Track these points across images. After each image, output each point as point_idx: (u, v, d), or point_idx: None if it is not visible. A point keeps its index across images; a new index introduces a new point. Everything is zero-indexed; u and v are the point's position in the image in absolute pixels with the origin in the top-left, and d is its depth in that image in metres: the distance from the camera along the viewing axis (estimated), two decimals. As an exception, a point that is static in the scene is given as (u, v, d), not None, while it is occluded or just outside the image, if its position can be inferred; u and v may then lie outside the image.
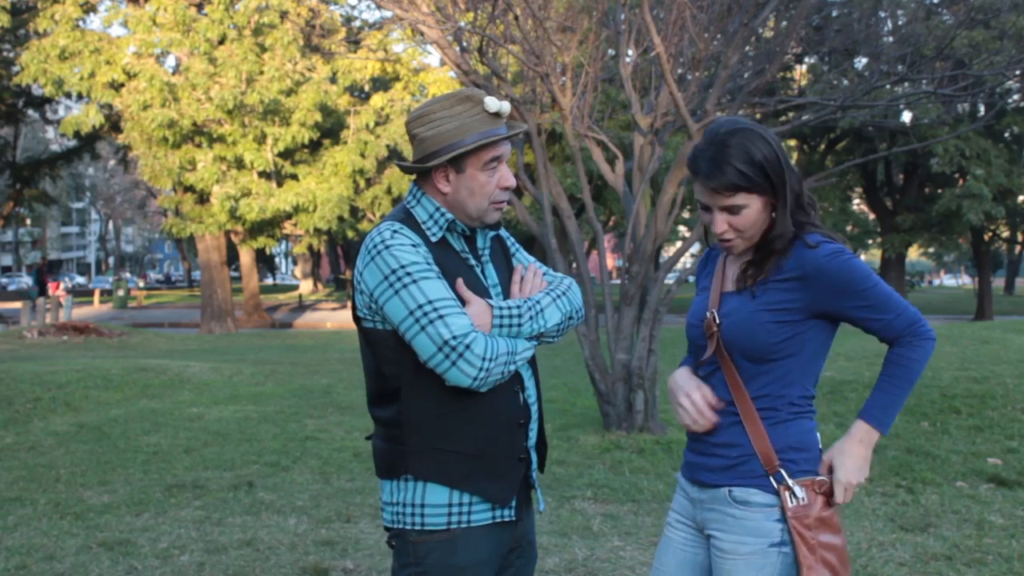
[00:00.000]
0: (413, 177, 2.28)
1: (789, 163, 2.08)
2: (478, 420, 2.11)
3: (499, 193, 2.17)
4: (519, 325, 2.13)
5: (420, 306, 2.02)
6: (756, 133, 2.05)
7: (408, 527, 2.12)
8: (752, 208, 2.05)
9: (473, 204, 2.15)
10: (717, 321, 2.12)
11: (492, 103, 2.13)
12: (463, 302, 2.10)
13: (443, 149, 2.12)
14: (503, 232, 2.35)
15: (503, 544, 2.18)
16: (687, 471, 2.21)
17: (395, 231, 2.10)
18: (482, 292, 2.16)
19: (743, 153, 2.02)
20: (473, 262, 2.21)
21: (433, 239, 2.14)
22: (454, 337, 2.00)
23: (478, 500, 2.12)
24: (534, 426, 2.24)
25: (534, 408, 2.23)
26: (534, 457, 2.26)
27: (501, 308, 2.12)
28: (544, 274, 2.29)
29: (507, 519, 2.16)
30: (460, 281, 2.11)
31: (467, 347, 2.00)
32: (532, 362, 2.26)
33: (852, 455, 2.09)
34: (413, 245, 2.08)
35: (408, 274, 2.04)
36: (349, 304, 2.31)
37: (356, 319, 2.18)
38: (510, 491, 2.15)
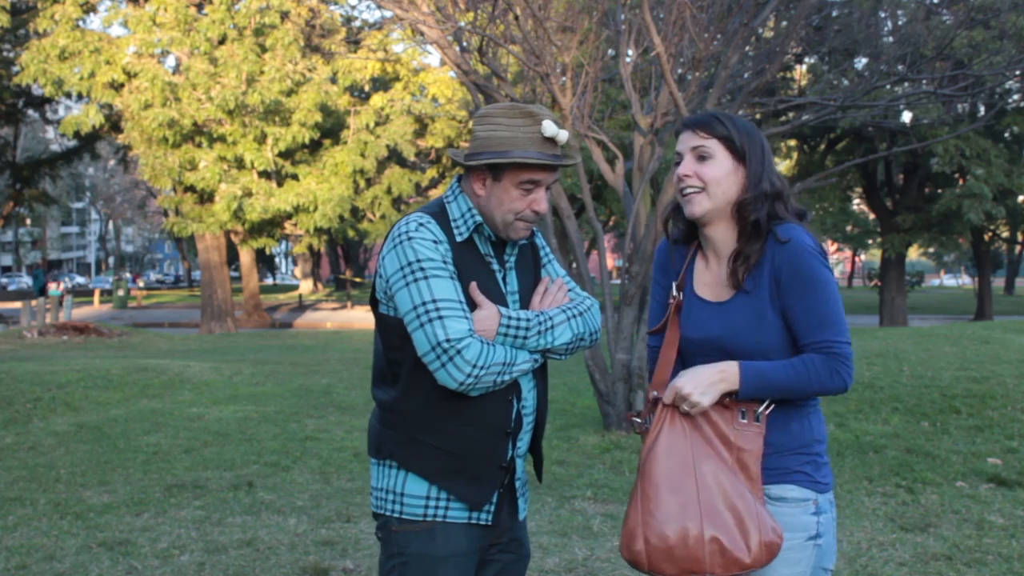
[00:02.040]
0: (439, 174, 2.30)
1: (766, 153, 2.12)
2: (464, 422, 2.14)
3: (528, 213, 2.18)
4: (525, 337, 2.14)
5: (424, 303, 2.05)
6: (747, 121, 2.14)
7: (389, 514, 2.19)
8: (719, 161, 2.09)
9: (500, 215, 2.17)
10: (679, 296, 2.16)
11: (548, 127, 2.13)
12: (474, 306, 2.12)
13: (486, 153, 2.14)
14: (539, 241, 2.36)
15: (481, 539, 2.22)
16: None
17: (421, 224, 2.13)
18: (498, 298, 2.17)
19: (727, 118, 2.12)
20: (496, 267, 2.22)
21: (459, 238, 2.17)
22: (447, 340, 2.02)
23: (454, 498, 2.16)
24: (525, 436, 2.24)
25: (528, 419, 2.24)
26: (520, 465, 2.27)
27: (510, 318, 2.13)
28: (569, 291, 2.29)
29: (483, 522, 2.20)
30: (474, 285, 2.13)
31: (458, 352, 2.02)
32: (540, 373, 2.26)
33: (704, 375, 2.04)
34: (434, 241, 2.11)
35: (421, 269, 2.08)
36: (370, 288, 2.37)
37: (374, 302, 2.22)
38: (485, 496, 2.17)
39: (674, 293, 2.21)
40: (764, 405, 2.05)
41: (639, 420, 2.17)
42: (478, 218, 2.18)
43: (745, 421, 2.05)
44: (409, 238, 2.10)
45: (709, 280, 2.18)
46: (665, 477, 2.03)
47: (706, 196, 2.10)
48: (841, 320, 2.04)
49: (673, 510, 2.01)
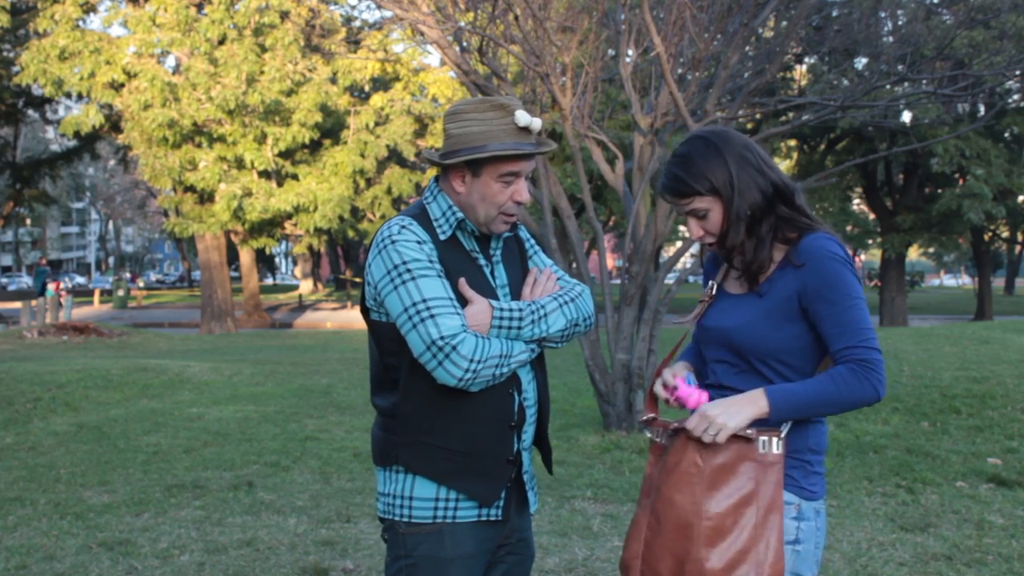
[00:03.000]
0: (422, 175, 2.29)
1: (749, 167, 2.09)
2: (467, 419, 2.13)
3: (510, 206, 2.18)
4: (519, 328, 2.13)
5: (414, 303, 2.05)
6: (710, 141, 2.11)
7: (397, 518, 2.18)
8: (715, 212, 2.11)
9: (483, 210, 2.17)
10: (712, 294, 2.16)
11: (522, 117, 2.14)
12: (465, 301, 2.11)
13: (463, 150, 2.14)
14: (523, 233, 2.36)
15: (490, 540, 2.21)
16: None
17: (404, 226, 2.13)
18: (488, 292, 2.17)
19: (688, 163, 2.10)
20: (483, 262, 2.22)
21: (443, 236, 2.16)
22: (442, 337, 2.02)
23: (464, 497, 2.15)
24: (529, 429, 2.24)
25: (531, 411, 2.23)
26: (527, 459, 2.26)
27: (502, 309, 2.13)
28: (559, 279, 2.29)
29: (493, 518, 2.19)
30: (463, 281, 2.13)
31: (454, 348, 2.02)
32: (539, 364, 2.26)
33: (732, 401, 2.01)
34: (419, 242, 2.11)
35: (408, 271, 2.07)
36: (360, 296, 2.40)
37: (364, 310, 2.21)
38: (495, 491, 2.17)
39: (709, 291, 2.22)
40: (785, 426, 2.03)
41: (653, 433, 2.15)
42: (459, 215, 2.18)
43: (765, 451, 2.01)
44: (393, 241, 2.10)
45: (736, 275, 2.21)
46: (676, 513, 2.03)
47: (720, 244, 2.15)
48: (869, 327, 2.02)
49: (677, 546, 2.00)
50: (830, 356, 2.04)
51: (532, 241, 2.38)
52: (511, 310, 2.13)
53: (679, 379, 2.15)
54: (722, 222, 2.10)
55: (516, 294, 2.25)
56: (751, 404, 1.99)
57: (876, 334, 2.03)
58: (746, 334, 2.08)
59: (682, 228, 33.73)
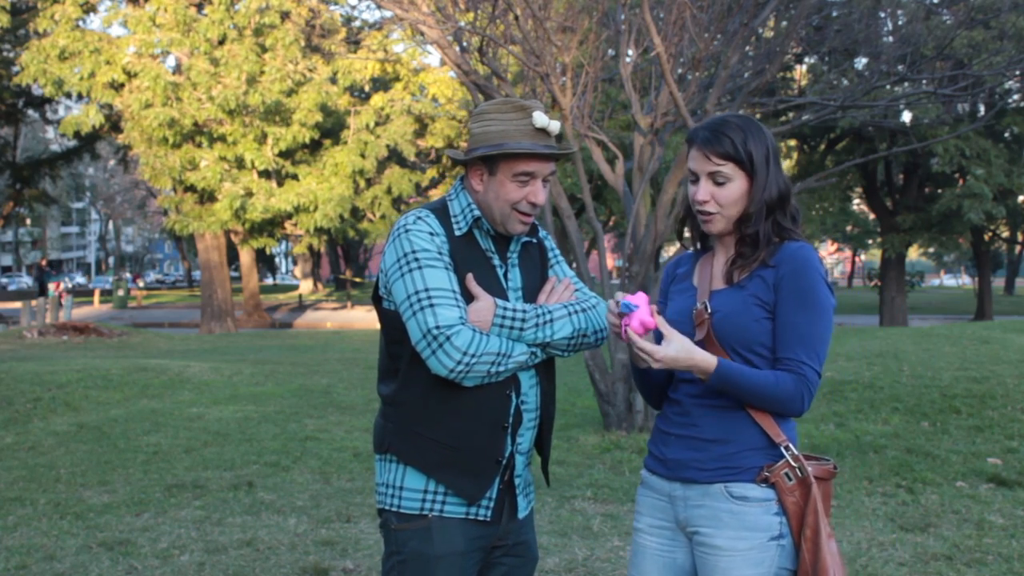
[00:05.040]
0: (430, 175, 2.29)
1: (778, 164, 2.15)
2: (461, 414, 2.15)
3: (524, 206, 2.20)
4: (521, 329, 2.14)
5: (417, 292, 2.08)
6: (755, 124, 2.16)
7: (388, 508, 2.21)
8: (736, 184, 2.11)
9: (497, 209, 2.20)
10: (709, 311, 2.12)
11: (539, 119, 2.16)
12: (471, 297, 2.13)
13: (479, 148, 2.18)
14: (549, 243, 2.38)
15: (481, 539, 2.21)
16: (666, 470, 2.17)
17: (419, 217, 2.17)
18: (497, 291, 2.19)
19: (739, 131, 2.12)
20: (497, 262, 2.24)
21: (458, 232, 2.20)
22: (437, 327, 2.05)
23: (452, 492, 2.16)
24: (527, 433, 2.24)
25: (530, 415, 2.23)
26: (520, 463, 2.26)
27: (505, 308, 2.14)
28: (576, 290, 2.30)
29: (481, 518, 2.19)
30: (470, 276, 2.15)
31: (448, 338, 2.04)
32: (545, 371, 2.26)
33: (688, 357, 2.02)
34: (431, 233, 2.15)
35: (416, 259, 2.11)
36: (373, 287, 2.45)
37: (376, 298, 2.24)
38: (481, 490, 2.17)
39: (700, 308, 2.17)
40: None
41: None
42: (476, 212, 2.21)
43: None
44: (406, 231, 2.15)
45: (717, 271, 2.21)
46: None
47: (721, 216, 2.14)
48: (823, 347, 2.06)
49: None
50: (775, 358, 2.07)
51: (557, 251, 2.40)
52: (515, 310, 2.15)
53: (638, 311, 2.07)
54: (739, 199, 2.11)
55: (530, 300, 2.26)
56: (699, 369, 2.04)
57: (826, 356, 2.08)
58: (730, 323, 2.09)
59: (682, 228, 33.65)
